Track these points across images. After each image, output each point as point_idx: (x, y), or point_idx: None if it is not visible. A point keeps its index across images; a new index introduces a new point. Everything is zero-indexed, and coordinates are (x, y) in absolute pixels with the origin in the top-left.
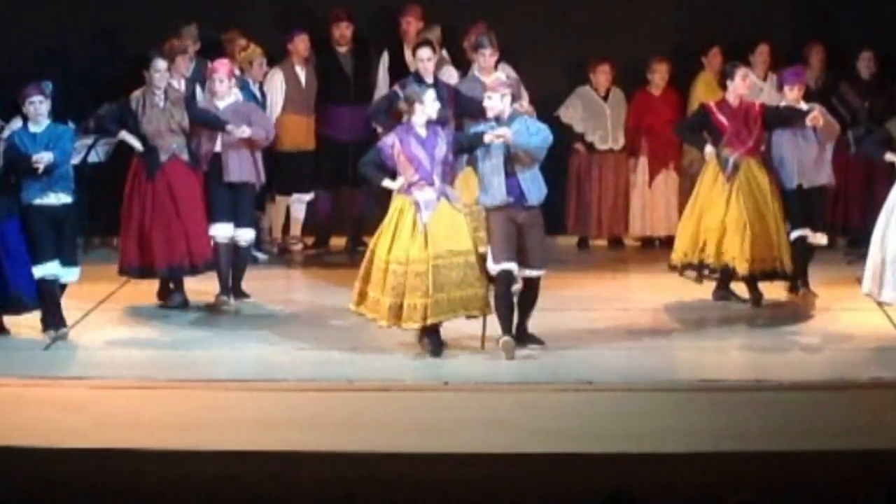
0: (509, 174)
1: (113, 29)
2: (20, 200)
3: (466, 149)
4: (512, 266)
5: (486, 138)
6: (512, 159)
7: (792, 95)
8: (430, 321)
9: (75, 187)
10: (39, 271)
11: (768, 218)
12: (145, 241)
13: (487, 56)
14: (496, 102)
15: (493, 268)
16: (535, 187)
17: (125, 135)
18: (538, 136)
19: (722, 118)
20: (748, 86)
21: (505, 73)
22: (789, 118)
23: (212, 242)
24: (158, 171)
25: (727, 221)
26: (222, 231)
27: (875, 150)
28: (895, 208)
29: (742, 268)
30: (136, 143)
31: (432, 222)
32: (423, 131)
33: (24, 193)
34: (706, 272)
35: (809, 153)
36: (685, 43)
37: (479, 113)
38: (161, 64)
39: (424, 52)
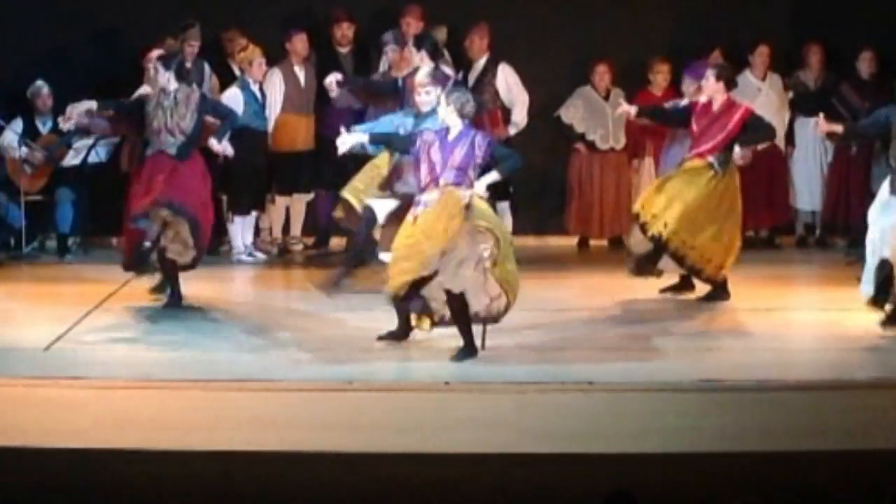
0: None
1: (113, 29)
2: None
3: (400, 147)
4: None
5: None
6: None
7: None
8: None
9: (75, 186)
10: None
11: (700, 214)
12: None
13: (391, 53)
14: (432, 98)
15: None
16: None
17: (90, 103)
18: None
19: (693, 121)
20: (714, 87)
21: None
22: (764, 136)
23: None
24: (144, 162)
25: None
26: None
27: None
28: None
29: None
30: (91, 104)
31: (425, 214)
32: (451, 136)
33: None
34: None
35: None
36: (685, 43)
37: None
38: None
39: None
